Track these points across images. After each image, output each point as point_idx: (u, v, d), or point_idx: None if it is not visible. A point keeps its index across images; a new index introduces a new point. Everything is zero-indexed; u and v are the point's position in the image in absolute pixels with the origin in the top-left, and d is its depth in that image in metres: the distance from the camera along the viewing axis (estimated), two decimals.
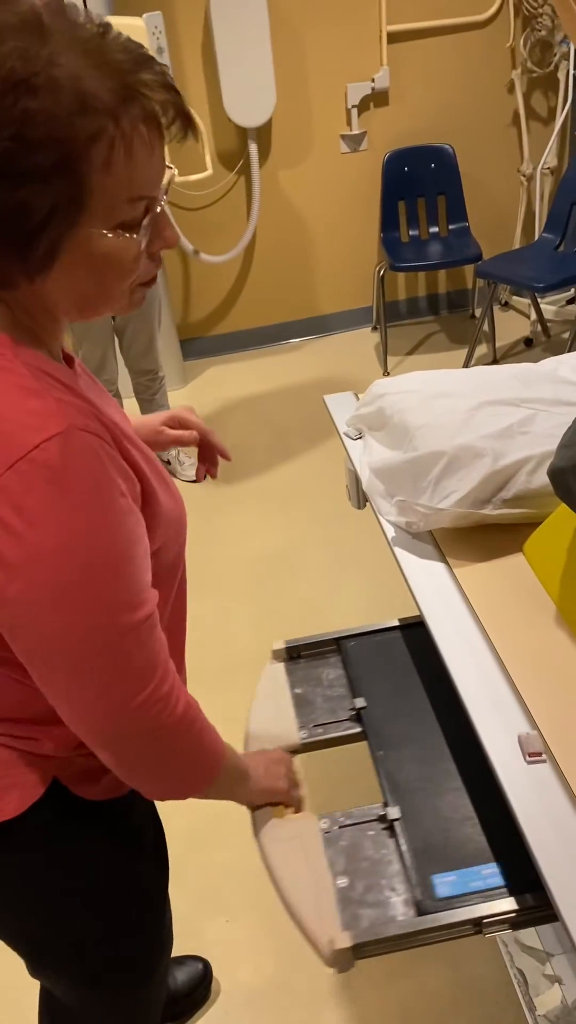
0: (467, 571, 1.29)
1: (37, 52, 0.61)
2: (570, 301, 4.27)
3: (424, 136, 4.02)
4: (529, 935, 1.56)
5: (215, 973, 1.65)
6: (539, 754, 0.96)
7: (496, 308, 4.42)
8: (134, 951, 1.11)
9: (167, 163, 0.72)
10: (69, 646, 0.72)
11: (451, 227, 4.06)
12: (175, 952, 1.37)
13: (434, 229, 4.10)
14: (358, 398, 1.72)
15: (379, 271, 4.05)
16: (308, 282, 4.33)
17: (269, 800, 1.07)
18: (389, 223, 4.06)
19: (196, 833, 1.91)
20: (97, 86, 0.63)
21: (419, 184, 4.04)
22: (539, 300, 4.08)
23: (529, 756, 0.96)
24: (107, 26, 0.66)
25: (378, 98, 3.94)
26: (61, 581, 0.69)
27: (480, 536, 1.35)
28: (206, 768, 0.89)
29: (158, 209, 0.72)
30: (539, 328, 4.13)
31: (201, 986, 1.62)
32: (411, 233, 4.09)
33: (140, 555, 0.76)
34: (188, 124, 0.71)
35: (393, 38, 3.79)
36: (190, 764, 0.87)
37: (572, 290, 4.18)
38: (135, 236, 0.70)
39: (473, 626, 1.18)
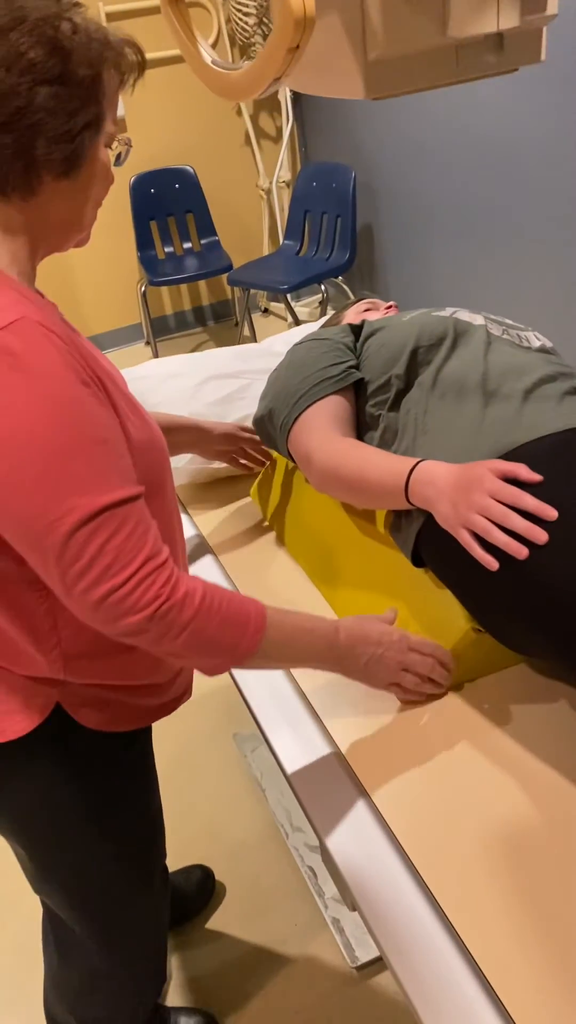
0: (206, 517, 1.50)
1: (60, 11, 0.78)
2: (321, 303, 4.65)
3: (165, 159, 4.26)
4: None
5: None
6: None
7: (258, 315, 4.73)
8: (131, 868, 1.12)
9: None
10: (40, 529, 0.74)
11: (203, 242, 4.32)
12: None
13: (187, 245, 4.34)
14: None
15: (140, 287, 4.24)
16: (74, 305, 4.44)
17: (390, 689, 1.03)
18: (144, 242, 4.25)
19: None
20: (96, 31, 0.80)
21: (166, 204, 4.27)
22: (293, 304, 4.42)
23: None
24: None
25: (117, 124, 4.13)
26: (25, 464, 0.72)
27: (216, 488, 1.56)
28: (240, 639, 0.85)
29: None
30: None
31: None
32: (166, 250, 4.31)
33: (112, 441, 0.78)
34: (139, 56, 0.86)
35: None
36: (210, 643, 0.83)
37: (320, 295, 4.56)
38: (112, 147, 0.87)
39: (213, 565, 1.38)
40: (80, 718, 0.95)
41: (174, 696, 1.06)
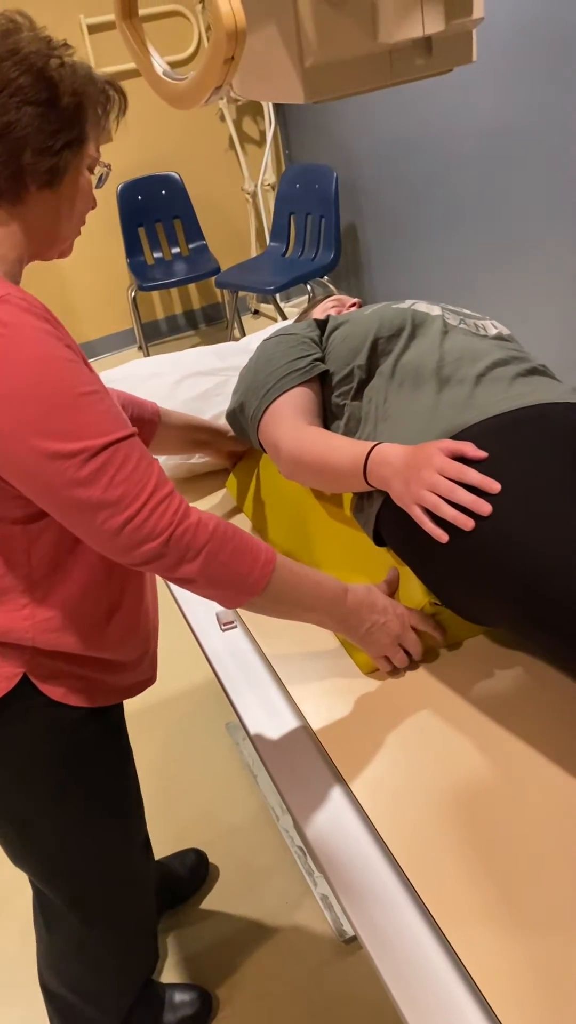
0: None
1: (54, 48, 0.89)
2: (309, 303, 4.71)
3: (151, 166, 4.32)
4: None
5: None
6: (231, 623, 1.23)
7: (248, 316, 4.79)
8: (105, 841, 1.15)
9: None
10: (50, 475, 0.82)
11: (191, 246, 4.39)
12: None
13: (176, 250, 4.40)
14: None
15: (131, 293, 4.30)
16: (67, 311, 4.51)
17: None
18: (133, 248, 4.32)
19: None
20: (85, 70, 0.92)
21: (154, 210, 4.33)
22: (282, 305, 4.48)
23: (224, 626, 1.22)
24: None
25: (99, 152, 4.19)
26: (26, 417, 0.81)
27: (194, 483, 1.62)
28: (251, 569, 0.93)
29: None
30: None
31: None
32: (155, 255, 4.37)
33: (100, 392, 0.86)
34: (121, 95, 0.97)
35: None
36: (224, 568, 0.91)
37: (307, 295, 4.61)
38: (95, 171, 0.98)
39: None
40: (47, 690, 1.00)
41: (139, 679, 1.12)
